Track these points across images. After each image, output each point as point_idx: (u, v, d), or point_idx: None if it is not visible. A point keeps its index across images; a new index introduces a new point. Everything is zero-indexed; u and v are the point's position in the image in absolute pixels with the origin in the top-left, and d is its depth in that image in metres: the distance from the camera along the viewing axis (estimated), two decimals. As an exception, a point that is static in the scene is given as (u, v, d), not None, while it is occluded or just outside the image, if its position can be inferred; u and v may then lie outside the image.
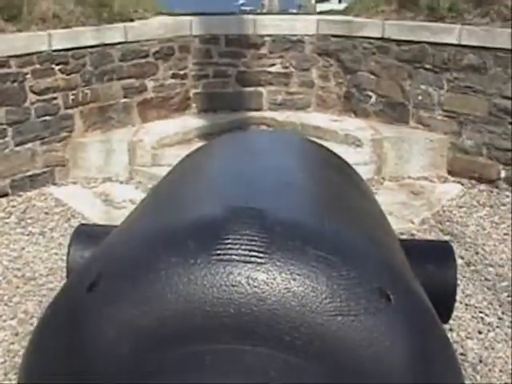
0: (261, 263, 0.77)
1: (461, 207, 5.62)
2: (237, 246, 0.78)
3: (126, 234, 0.92)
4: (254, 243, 0.78)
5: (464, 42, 6.13)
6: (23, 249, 4.88)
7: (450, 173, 6.31)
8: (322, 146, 1.35)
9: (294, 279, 0.76)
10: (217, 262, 0.77)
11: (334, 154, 1.32)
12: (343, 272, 0.77)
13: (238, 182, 1.01)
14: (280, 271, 0.77)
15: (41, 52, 5.92)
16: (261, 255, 0.77)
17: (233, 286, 0.76)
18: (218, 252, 0.77)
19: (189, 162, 1.24)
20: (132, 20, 6.80)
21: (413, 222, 5.29)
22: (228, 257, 0.77)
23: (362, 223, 0.98)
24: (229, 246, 0.78)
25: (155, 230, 0.84)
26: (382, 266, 0.83)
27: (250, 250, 0.78)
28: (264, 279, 0.76)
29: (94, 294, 0.79)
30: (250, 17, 7.37)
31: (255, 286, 0.76)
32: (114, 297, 0.77)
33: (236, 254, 0.77)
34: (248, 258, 0.77)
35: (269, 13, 11.47)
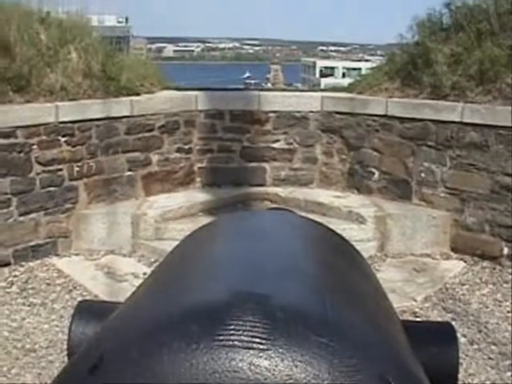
0: (263, 349, 0.79)
1: (463, 284, 5.70)
2: (239, 332, 0.79)
3: (129, 316, 0.93)
4: (256, 329, 0.80)
5: (466, 120, 6.34)
6: (24, 319, 4.94)
7: (452, 249, 6.42)
8: (324, 226, 1.41)
9: (296, 366, 0.78)
10: (219, 348, 0.78)
11: (337, 234, 1.39)
12: (345, 359, 0.79)
13: (242, 265, 1.03)
14: (282, 358, 0.78)
15: (48, 123, 6.12)
16: (263, 341, 0.79)
17: (235, 371, 0.77)
18: (221, 338, 0.79)
19: (193, 241, 1.26)
20: (138, 94, 7.06)
21: (415, 300, 5.36)
22: (230, 343, 0.79)
23: (364, 307, 1.00)
24: (231, 331, 0.80)
25: (159, 313, 0.86)
26: (383, 351, 0.85)
27: (252, 336, 0.79)
28: (266, 366, 0.78)
29: (95, 378, 0.79)
30: (255, 93, 7.63)
31: (257, 373, 0.77)
32: (116, 381, 0.78)
33: (238, 340, 0.79)
34: (250, 344, 0.79)
35: (274, 89, 11.84)
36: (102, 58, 6.88)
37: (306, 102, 7.39)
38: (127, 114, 6.73)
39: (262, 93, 7.58)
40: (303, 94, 7.80)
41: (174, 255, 1.20)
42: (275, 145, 7.41)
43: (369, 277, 1.24)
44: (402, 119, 6.77)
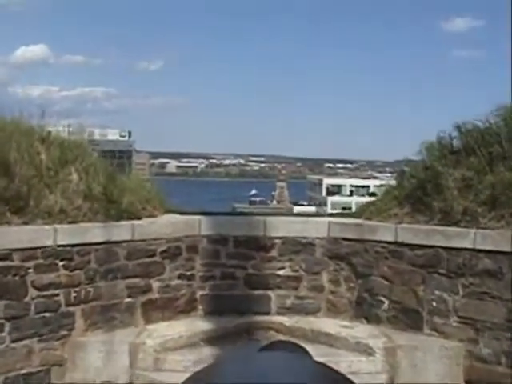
0: None
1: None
2: None
3: None
4: None
5: (479, 247, 6.37)
6: None
7: (467, 382, 6.31)
8: (330, 368, 1.44)
9: None
10: None
11: (343, 376, 1.41)
12: None
13: None
14: None
15: (45, 247, 6.17)
16: None
17: None
18: None
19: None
20: (140, 218, 7.16)
21: None
22: None
23: None
24: None
25: None
26: None
27: None
28: None
29: None
30: (260, 218, 7.73)
31: None
32: None
33: None
34: None
35: (279, 213, 11.97)
36: (104, 179, 7.02)
37: (313, 227, 7.50)
38: (128, 238, 6.81)
39: (267, 218, 7.68)
40: (309, 219, 7.90)
41: None
42: (280, 272, 7.45)
43: None
44: (412, 246, 6.83)
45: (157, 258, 7.06)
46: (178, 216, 7.70)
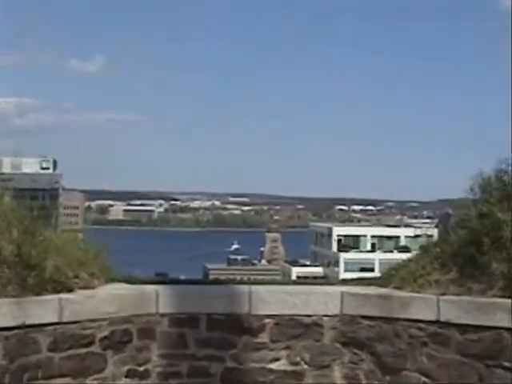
0: None
1: None
2: None
3: None
4: None
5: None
6: None
7: None
8: None
9: None
10: None
11: None
12: None
13: None
14: None
15: None
16: None
17: None
18: None
19: None
20: (71, 290, 7.10)
21: None
22: None
23: None
24: None
25: None
26: None
27: None
28: None
29: None
30: (244, 287, 7.70)
31: None
32: None
33: None
34: None
35: (270, 280, 11.93)
36: (18, 234, 6.97)
37: (319, 300, 7.46)
38: (54, 320, 6.74)
39: (254, 287, 7.65)
40: (314, 288, 7.91)
41: None
42: (273, 365, 7.41)
43: None
44: (462, 327, 6.80)
45: (95, 348, 6.99)
46: (126, 286, 7.67)
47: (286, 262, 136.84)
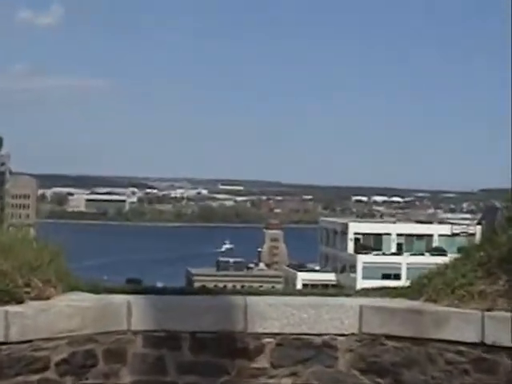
0: None
1: None
2: None
3: None
4: None
5: None
6: None
7: None
8: None
9: None
10: None
11: None
12: None
13: None
14: None
15: None
16: None
17: None
18: None
19: None
20: (20, 301, 7.10)
21: None
22: None
23: None
24: None
25: None
26: None
27: None
28: None
29: None
30: (237, 299, 7.71)
31: None
32: None
33: None
34: None
35: (271, 292, 11.92)
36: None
37: (332, 315, 7.47)
38: (-2, 338, 6.73)
39: (250, 299, 7.66)
40: (325, 300, 7.89)
41: None
42: (275, 398, 7.43)
43: None
44: (513, 351, 6.81)
45: (50, 374, 6.98)
46: (89, 297, 7.66)
47: (289, 266, 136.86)
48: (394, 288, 8.60)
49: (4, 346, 6.76)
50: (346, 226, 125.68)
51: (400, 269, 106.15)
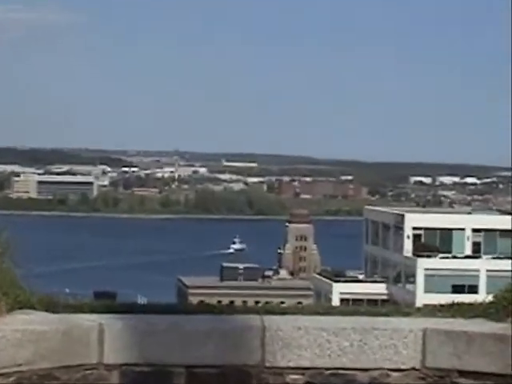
0: None
1: None
2: None
3: None
4: None
5: None
6: None
7: None
8: None
9: None
10: None
11: None
12: None
13: None
14: None
15: None
16: None
17: None
18: None
19: None
20: None
21: None
22: None
23: None
24: None
25: None
26: None
27: None
28: None
29: None
30: (253, 321, 7.73)
31: None
32: None
33: None
34: None
35: (297, 310, 11.84)
36: None
37: (384, 343, 7.54)
38: None
39: (268, 320, 7.70)
40: (374, 321, 7.93)
41: None
42: None
43: None
44: None
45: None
46: (47, 318, 7.72)
47: (321, 274, 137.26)
48: (470, 305, 8.61)
49: None
50: (401, 218, 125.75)
51: (477, 278, 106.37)
